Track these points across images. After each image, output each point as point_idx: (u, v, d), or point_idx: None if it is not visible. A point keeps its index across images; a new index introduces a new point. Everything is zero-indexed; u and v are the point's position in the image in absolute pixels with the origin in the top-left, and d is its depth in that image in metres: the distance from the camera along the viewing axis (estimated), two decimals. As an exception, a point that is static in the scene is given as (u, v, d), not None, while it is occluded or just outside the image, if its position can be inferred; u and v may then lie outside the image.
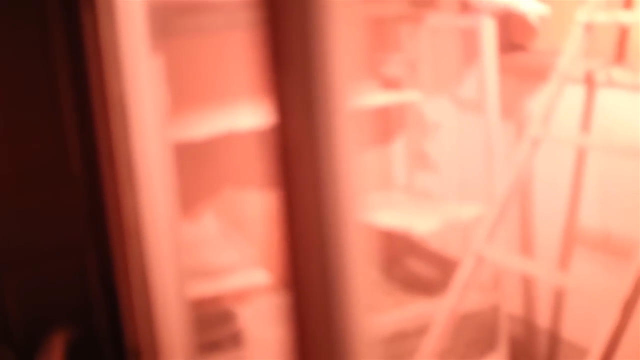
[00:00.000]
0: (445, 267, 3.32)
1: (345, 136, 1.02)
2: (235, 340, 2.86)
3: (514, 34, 3.24)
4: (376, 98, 3.13)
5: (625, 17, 2.77)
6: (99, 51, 2.40)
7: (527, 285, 3.23)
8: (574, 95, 2.91)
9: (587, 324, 2.86)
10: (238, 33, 2.80)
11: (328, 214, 1.04)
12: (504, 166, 3.01)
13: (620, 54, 2.88)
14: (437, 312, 2.78)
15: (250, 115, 2.69)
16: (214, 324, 2.89)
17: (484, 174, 3.12)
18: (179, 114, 2.63)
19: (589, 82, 2.88)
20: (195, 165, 2.99)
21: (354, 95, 1.04)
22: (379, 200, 3.36)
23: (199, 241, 2.90)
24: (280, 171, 1.08)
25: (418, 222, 3.09)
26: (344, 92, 1.01)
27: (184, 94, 2.79)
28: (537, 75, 3.05)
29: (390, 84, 3.33)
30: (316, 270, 1.07)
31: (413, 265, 3.59)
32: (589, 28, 2.78)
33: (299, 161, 1.03)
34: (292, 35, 1.00)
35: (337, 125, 1.00)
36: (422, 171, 3.56)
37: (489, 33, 2.97)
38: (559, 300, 3.11)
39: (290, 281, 1.11)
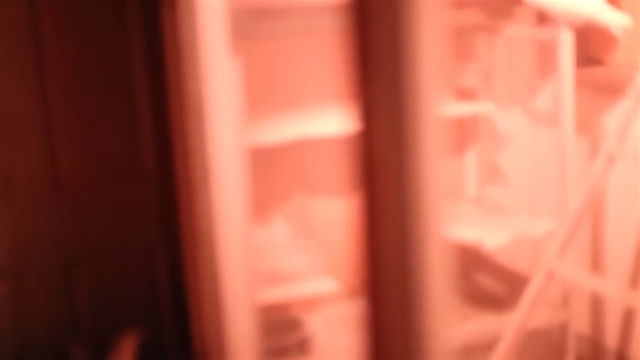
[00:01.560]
0: (514, 282, 3.28)
1: (431, 144, 1.01)
2: (302, 347, 2.86)
3: (592, 47, 3.19)
4: (450, 108, 3.11)
5: None
6: (177, 51, 2.42)
7: (597, 304, 3.18)
8: (653, 112, 2.85)
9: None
10: (318, 37, 2.81)
11: (411, 224, 1.02)
12: (578, 181, 2.97)
13: (701, 70, 2.82)
14: (505, 328, 2.75)
15: (327, 121, 2.69)
16: (281, 330, 2.89)
17: (556, 189, 3.07)
18: (256, 118, 2.64)
19: (668, 98, 2.82)
20: (269, 169, 2.99)
21: (440, 103, 1.03)
22: (450, 212, 3.33)
23: (269, 246, 2.91)
24: (363, 178, 1.07)
25: (488, 236, 3.06)
26: (431, 99, 1.00)
27: (261, 97, 2.80)
28: (614, 90, 3.00)
29: (464, 94, 3.30)
30: (396, 279, 1.06)
31: (482, 280, 3.55)
32: (671, 43, 2.73)
33: (383, 168, 1.02)
34: (380, 41, 1.00)
35: (423, 133, 0.99)
36: (494, 184, 3.53)
37: (566, 46, 2.93)
38: (628, 320, 3.05)
39: (368, 290, 1.10)
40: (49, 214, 2.97)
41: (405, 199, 1.02)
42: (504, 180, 3.49)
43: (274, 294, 2.69)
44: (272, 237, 2.99)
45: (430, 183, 1.03)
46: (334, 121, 2.72)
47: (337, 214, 3.11)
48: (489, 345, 2.82)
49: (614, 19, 2.88)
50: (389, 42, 0.99)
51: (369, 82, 1.02)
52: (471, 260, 3.53)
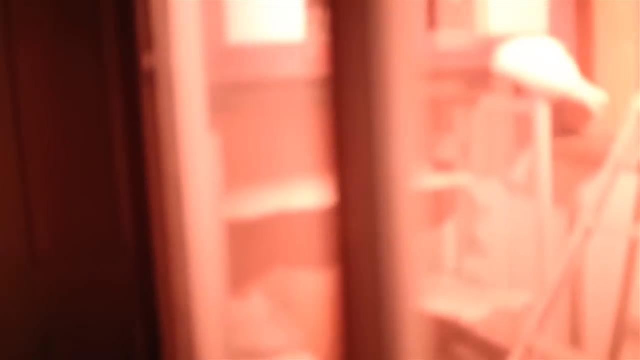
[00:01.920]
0: (493, 355, 3.25)
1: (406, 218, 1.01)
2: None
3: (568, 118, 3.22)
4: (428, 180, 3.12)
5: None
6: (156, 126, 2.42)
7: (577, 377, 3.16)
8: (628, 184, 2.87)
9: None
10: (295, 111, 2.82)
11: (387, 298, 1.02)
12: (556, 253, 2.97)
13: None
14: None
15: (304, 194, 2.69)
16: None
17: (534, 261, 3.07)
18: (233, 191, 2.64)
19: (644, 171, 2.84)
20: (247, 242, 2.98)
21: (416, 176, 1.03)
22: (428, 284, 3.32)
23: (247, 321, 2.88)
24: (339, 252, 1.07)
25: (467, 308, 3.05)
26: (405, 173, 1.00)
27: (239, 171, 2.80)
28: (590, 161, 3.02)
29: (441, 166, 3.32)
30: (373, 355, 1.05)
31: (461, 353, 3.53)
32: (645, 116, 2.76)
33: (359, 242, 1.02)
34: (355, 115, 1.00)
35: (398, 206, 0.99)
36: (472, 255, 3.52)
37: (543, 118, 2.95)
38: (608, 393, 3.04)
39: (345, 365, 1.09)
40: (25, 287, 2.94)
41: (381, 273, 1.01)
42: (483, 252, 3.49)
43: (252, 369, 2.66)
44: (250, 311, 2.96)
45: (406, 257, 1.02)
46: (312, 194, 2.72)
47: (316, 287, 3.10)
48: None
49: (590, 95, 2.92)
50: (363, 116, 1.00)
51: (344, 155, 1.02)
52: (450, 333, 3.51)
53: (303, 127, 2.87)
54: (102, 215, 3.00)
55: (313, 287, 3.11)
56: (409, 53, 1.02)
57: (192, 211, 2.24)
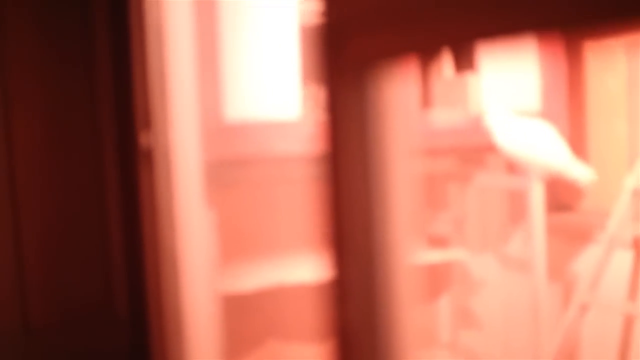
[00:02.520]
0: None
1: (403, 293, 1.03)
2: None
3: (561, 194, 3.26)
4: (423, 256, 3.13)
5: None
6: (153, 200, 2.44)
7: None
8: (623, 260, 2.89)
9: None
10: (291, 186, 2.85)
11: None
12: (551, 328, 2.97)
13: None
14: None
15: (300, 269, 2.70)
16: None
17: (529, 335, 3.07)
18: (229, 265, 2.65)
19: (637, 247, 2.86)
20: (242, 315, 2.98)
21: (412, 251, 1.05)
22: (424, 358, 3.31)
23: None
24: (336, 325, 1.08)
25: (462, 382, 3.04)
26: (402, 248, 1.02)
27: (235, 245, 2.82)
28: (583, 236, 3.04)
29: (436, 241, 3.33)
30: None
31: None
32: (637, 194, 2.79)
33: (356, 316, 1.03)
34: (353, 191, 1.02)
35: (396, 281, 1.01)
36: (467, 329, 3.52)
37: (537, 195, 2.98)
38: None
39: None
40: (18, 356, 2.93)
41: (379, 347, 1.03)
42: (478, 326, 3.48)
43: None
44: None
45: (403, 331, 1.04)
46: (308, 269, 2.73)
47: (311, 360, 3.09)
48: None
49: (581, 174, 2.96)
50: (360, 192, 1.02)
51: (341, 230, 1.04)
52: (446, 408, 3.49)
53: (298, 203, 2.89)
54: (96, 286, 3.01)
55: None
56: (405, 130, 1.05)
57: (188, 284, 2.26)
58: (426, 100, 3.12)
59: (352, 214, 1.01)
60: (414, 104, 2.90)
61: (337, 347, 1.08)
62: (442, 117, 3.11)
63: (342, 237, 1.03)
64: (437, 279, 3.53)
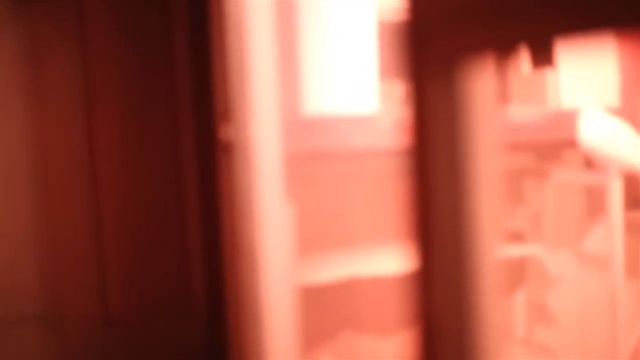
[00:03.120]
0: None
1: (488, 284, 1.04)
2: None
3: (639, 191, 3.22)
4: (500, 251, 3.12)
5: None
6: (231, 193, 2.48)
7: None
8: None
9: None
10: (369, 182, 2.87)
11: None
12: (628, 325, 2.94)
13: None
14: None
15: (376, 261, 2.72)
16: None
17: (605, 333, 3.05)
18: (307, 258, 2.68)
19: None
20: (319, 307, 3.01)
21: (497, 245, 1.06)
22: (502, 353, 3.30)
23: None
24: (419, 316, 1.10)
25: (537, 378, 3.03)
26: (489, 241, 1.04)
27: (312, 238, 2.85)
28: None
29: (512, 236, 3.32)
30: None
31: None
32: None
33: (442, 305, 1.05)
34: (440, 185, 1.04)
35: (482, 274, 1.03)
36: (542, 325, 3.50)
37: (616, 190, 2.96)
38: None
39: None
40: (97, 348, 3.00)
41: (464, 339, 1.04)
42: (553, 322, 3.46)
43: None
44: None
45: (488, 324, 1.05)
46: (384, 261, 2.75)
47: (385, 352, 3.11)
48: None
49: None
50: (448, 185, 1.04)
51: (428, 223, 1.06)
52: (520, 404, 3.47)
53: (375, 197, 2.91)
54: (175, 278, 3.07)
55: (383, 351, 3.12)
56: (491, 124, 1.06)
57: (266, 277, 2.29)
58: (504, 96, 3.11)
59: (439, 206, 1.03)
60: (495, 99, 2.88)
61: (421, 336, 1.10)
62: (520, 112, 3.10)
63: (429, 229, 1.05)
64: (513, 274, 3.52)
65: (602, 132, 2.93)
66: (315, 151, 2.70)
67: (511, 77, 3.12)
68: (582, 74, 3.15)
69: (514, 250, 3.22)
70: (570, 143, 3.00)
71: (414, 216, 1.14)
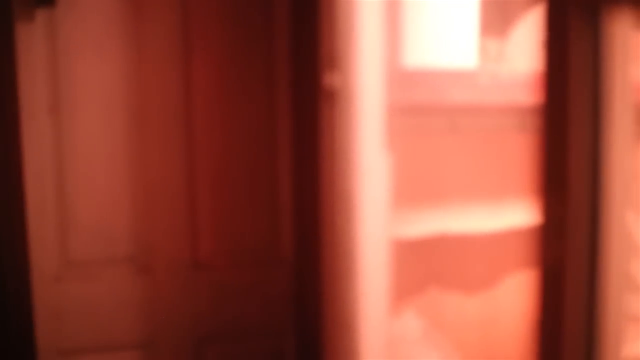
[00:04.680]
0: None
1: (619, 235, 1.03)
2: None
3: None
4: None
5: None
6: (332, 142, 2.48)
7: None
8: None
9: None
10: (465, 135, 2.85)
11: (598, 312, 1.04)
12: None
13: None
14: None
15: (469, 218, 2.71)
16: None
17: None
18: (399, 211, 2.68)
19: None
20: (407, 261, 3.02)
21: (630, 199, 1.05)
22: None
23: (401, 339, 2.91)
24: (546, 262, 1.09)
25: None
26: (623, 195, 1.02)
27: (406, 191, 2.85)
28: None
29: None
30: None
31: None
32: None
33: (573, 256, 1.04)
34: (578, 142, 1.03)
35: (614, 225, 1.02)
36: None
37: None
38: None
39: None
40: (185, 290, 3.05)
41: (592, 288, 1.04)
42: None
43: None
44: (403, 330, 2.99)
45: (616, 274, 1.04)
46: (476, 218, 2.74)
47: (469, 311, 3.11)
48: None
49: None
50: (586, 139, 1.02)
51: (564, 175, 1.04)
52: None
53: (472, 153, 2.89)
54: (264, 225, 3.09)
55: (466, 310, 3.12)
56: (629, 78, 1.04)
57: (363, 227, 2.30)
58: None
59: (578, 160, 1.02)
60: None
61: (544, 285, 1.09)
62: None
63: (564, 182, 1.04)
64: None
65: None
66: (414, 104, 2.69)
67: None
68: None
69: None
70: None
71: (544, 169, 1.12)
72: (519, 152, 2.81)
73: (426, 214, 2.84)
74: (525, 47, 2.82)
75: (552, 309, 1.08)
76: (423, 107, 2.70)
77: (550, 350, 1.05)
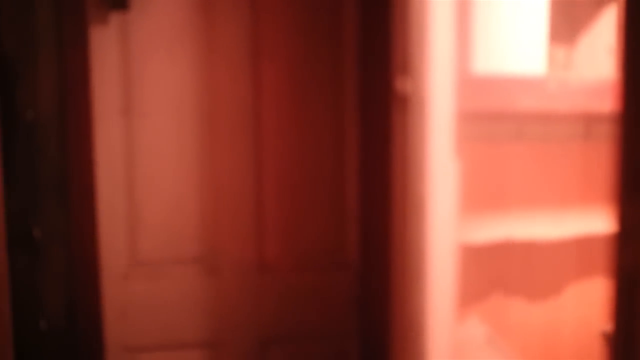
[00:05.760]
0: None
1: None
2: None
3: None
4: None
5: None
6: (403, 147, 2.50)
7: None
8: None
9: None
10: (534, 143, 2.84)
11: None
12: None
13: None
14: None
15: (533, 225, 2.70)
16: None
17: None
18: (466, 216, 2.68)
19: None
20: (472, 267, 3.02)
21: None
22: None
23: (464, 344, 2.91)
24: (621, 271, 1.10)
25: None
26: None
27: (473, 197, 2.85)
28: None
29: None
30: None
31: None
32: None
33: None
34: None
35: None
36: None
37: None
38: None
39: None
40: (251, 292, 3.09)
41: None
42: None
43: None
44: (468, 335, 2.99)
45: None
46: (541, 225, 2.73)
47: (534, 317, 3.10)
48: None
49: None
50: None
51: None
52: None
53: (539, 160, 2.89)
54: (329, 228, 3.11)
55: (531, 316, 3.11)
56: None
57: (433, 232, 2.31)
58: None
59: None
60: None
61: (619, 291, 1.09)
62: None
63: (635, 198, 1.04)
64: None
65: None
66: (482, 110, 2.70)
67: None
68: None
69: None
70: None
71: (620, 176, 1.13)
72: (586, 160, 2.80)
73: (492, 220, 2.84)
74: (593, 54, 2.81)
75: (627, 318, 1.09)
76: (491, 113, 2.71)
77: None
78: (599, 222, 2.63)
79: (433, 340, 2.39)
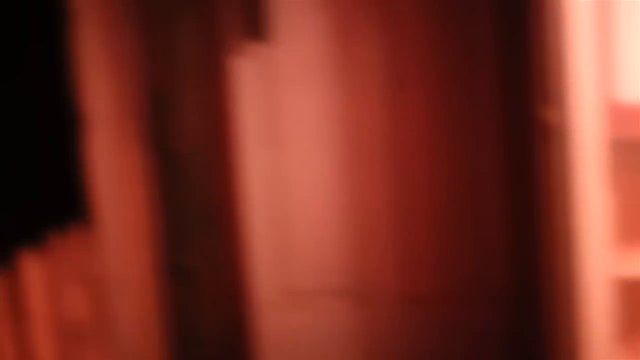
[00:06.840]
0: None
1: None
2: None
3: None
4: None
5: None
6: (548, 178, 2.45)
7: None
8: None
9: None
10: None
11: None
12: None
13: None
14: None
15: None
16: None
17: None
18: (622, 249, 2.60)
19: None
20: (631, 301, 2.91)
21: None
22: None
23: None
24: None
25: None
26: None
27: (629, 228, 2.75)
28: None
29: None
30: None
31: None
32: None
33: None
34: None
35: None
36: None
37: None
38: None
39: None
40: (400, 323, 3.08)
41: None
42: None
43: None
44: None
45: None
46: None
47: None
48: None
49: None
50: None
51: None
52: None
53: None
54: (478, 262, 3.08)
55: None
56: None
57: (582, 265, 2.25)
58: None
59: None
60: None
61: None
62: None
63: None
64: None
65: None
66: (629, 139, 2.61)
67: None
68: None
69: None
70: None
71: None
72: None
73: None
74: None
75: None
76: (638, 142, 2.61)
77: None
78: None
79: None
